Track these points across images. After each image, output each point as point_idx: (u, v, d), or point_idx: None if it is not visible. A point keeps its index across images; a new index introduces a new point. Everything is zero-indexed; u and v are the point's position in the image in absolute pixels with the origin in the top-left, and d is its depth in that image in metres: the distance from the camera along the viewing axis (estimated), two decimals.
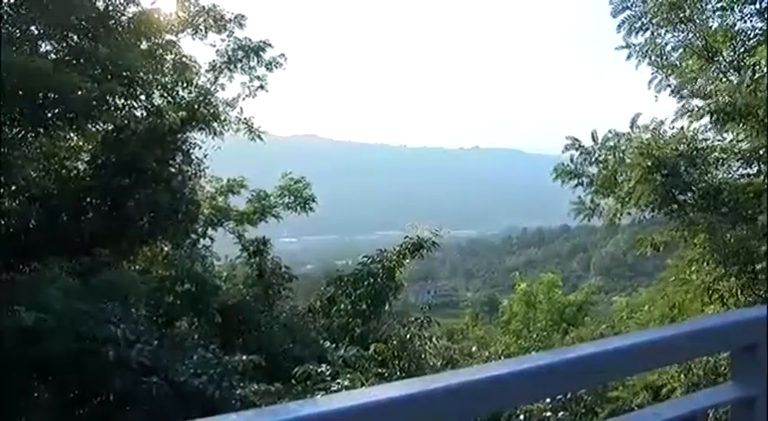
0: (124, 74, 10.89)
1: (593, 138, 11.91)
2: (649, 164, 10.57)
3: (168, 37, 12.34)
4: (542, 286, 20.04)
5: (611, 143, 11.71)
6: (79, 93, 10.02)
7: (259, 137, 14.12)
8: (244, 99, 13.64)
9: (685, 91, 11.20)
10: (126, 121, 11.62)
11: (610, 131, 11.77)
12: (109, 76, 10.56)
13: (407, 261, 13.10)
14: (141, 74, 11.37)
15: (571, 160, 11.86)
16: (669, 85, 11.26)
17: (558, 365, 1.27)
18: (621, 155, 11.53)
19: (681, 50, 11.29)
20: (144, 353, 8.28)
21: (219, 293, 12.04)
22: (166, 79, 12.29)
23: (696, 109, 10.90)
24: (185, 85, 12.55)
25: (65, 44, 11.15)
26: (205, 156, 13.06)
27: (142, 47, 11.82)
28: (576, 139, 11.94)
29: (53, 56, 10.97)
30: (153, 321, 10.33)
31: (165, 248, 12.48)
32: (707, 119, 10.74)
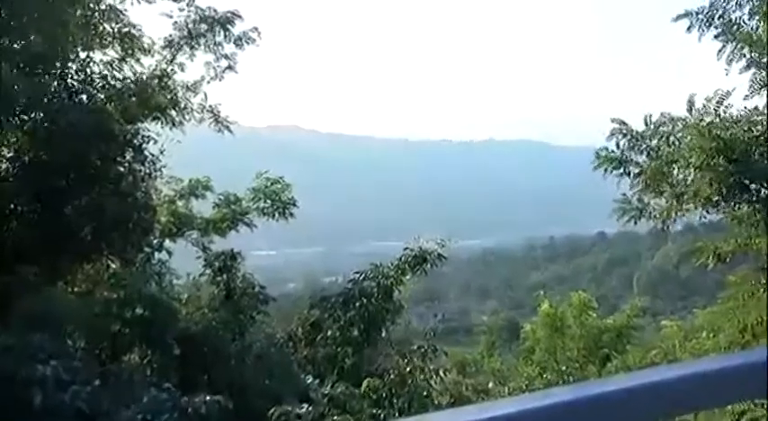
0: (56, 50, 10.94)
1: (647, 122, 11.93)
2: (713, 146, 10.49)
3: (109, 1, 12.32)
4: (573, 307, 19.85)
5: (665, 129, 11.75)
6: None
7: (227, 128, 14.21)
8: (208, 82, 13.71)
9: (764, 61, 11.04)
10: (60, 110, 11.59)
11: (663, 115, 11.80)
12: (34, 53, 10.58)
13: (408, 277, 13.25)
14: (79, 48, 11.40)
15: (617, 146, 11.91)
16: (744, 56, 11.12)
17: (581, 404, 1.23)
18: (677, 143, 11.57)
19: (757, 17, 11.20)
20: (81, 397, 8.18)
21: (179, 319, 12.15)
22: (110, 57, 12.34)
23: None
24: (134, 64, 12.68)
25: None
26: (161, 153, 13.09)
27: (76, 14, 11.75)
28: (624, 122, 12.00)
29: None
30: (94, 355, 10.38)
31: (112, 265, 12.52)
32: None
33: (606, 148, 12.02)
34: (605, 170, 11.94)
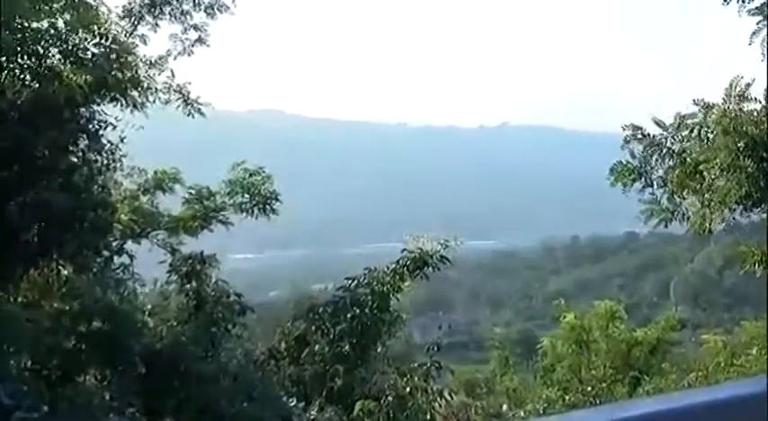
0: None
1: (659, 124, 12.04)
2: (741, 145, 10.66)
3: None
4: (599, 318, 19.83)
5: (693, 121, 11.83)
6: None
7: (199, 111, 14.16)
8: (175, 58, 13.71)
9: None
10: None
11: (697, 104, 11.90)
12: None
13: (407, 284, 13.30)
14: (22, 19, 11.33)
15: (632, 155, 12.09)
16: None
17: None
18: (708, 137, 11.69)
19: None
20: None
21: (143, 333, 12.24)
22: (59, 29, 12.19)
23: None
24: (88, 35, 12.49)
25: None
26: (122, 140, 13.06)
27: None
28: (638, 128, 12.13)
29: None
30: (42, 377, 10.31)
31: (64, 271, 12.43)
32: None
33: (621, 162, 12.17)
34: (624, 185, 12.11)
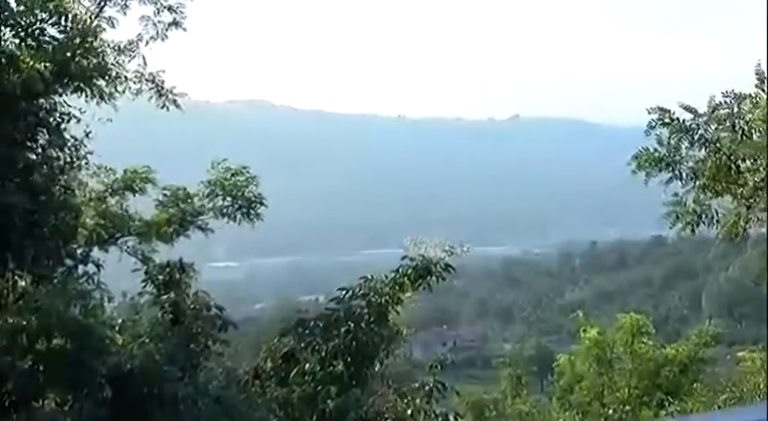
0: None
1: (690, 110, 11.98)
2: None
3: None
4: (623, 333, 19.90)
5: (724, 112, 11.82)
6: None
7: (174, 102, 14.17)
8: (147, 43, 13.64)
9: None
10: None
11: (724, 94, 11.80)
12: None
13: (408, 295, 13.23)
14: None
15: (659, 142, 11.94)
16: None
17: None
18: (745, 126, 11.62)
19: None
20: None
21: (111, 352, 12.10)
22: (8, 3, 12.12)
23: None
24: (46, 15, 12.42)
25: None
26: (87, 135, 13.04)
27: None
28: (665, 110, 11.98)
29: None
30: None
31: (21, 282, 12.35)
32: None
33: (647, 148, 11.98)
34: (647, 175, 12.04)
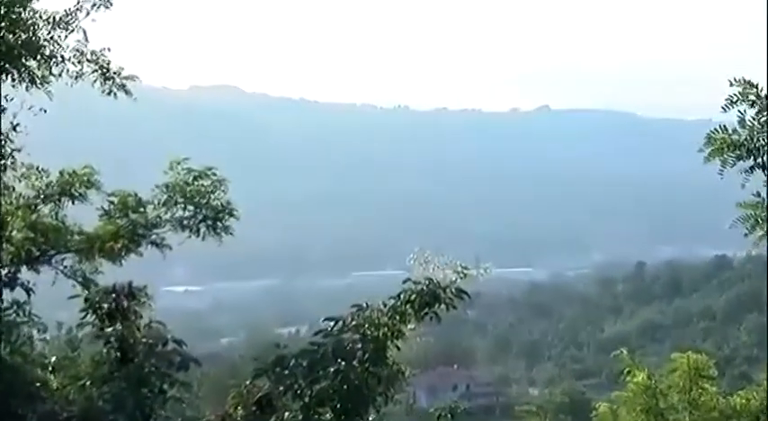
0: None
1: None
2: None
3: None
4: (678, 376, 18.75)
5: None
6: None
7: (123, 88, 13.48)
8: (87, 14, 12.70)
9: None
10: None
11: None
12: None
13: (411, 327, 12.42)
14: None
15: (741, 123, 10.98)
16: None
17: None
18: None
19: None
20: None
21: (44, 397, 11.54)
22: None
23: None
24: None
25: None
26: (15, 129, 12.48)
27: None
28: (752, 84, 11.00)
29: None
30: None
31: None
32: None
33: (724, 127, 11.16)
34: (722, 162, 11.17)
